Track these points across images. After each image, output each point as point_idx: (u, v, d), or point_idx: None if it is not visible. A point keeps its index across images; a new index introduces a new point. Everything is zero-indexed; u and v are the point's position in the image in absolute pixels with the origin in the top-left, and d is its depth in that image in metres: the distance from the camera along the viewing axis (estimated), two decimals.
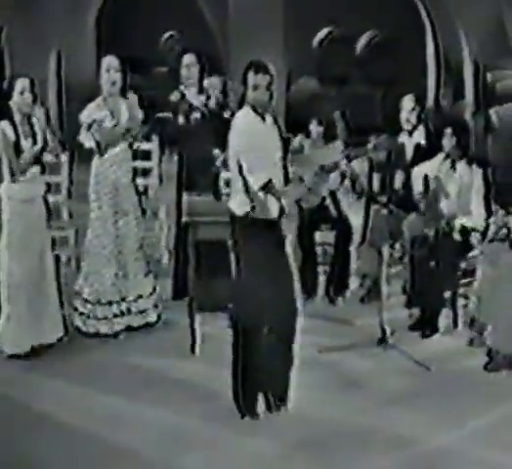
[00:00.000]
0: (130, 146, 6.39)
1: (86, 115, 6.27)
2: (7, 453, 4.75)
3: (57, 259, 6.35)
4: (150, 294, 6.49)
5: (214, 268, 6.47)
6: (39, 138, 5.99)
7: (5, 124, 5.89)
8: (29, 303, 5.98)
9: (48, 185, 6.32)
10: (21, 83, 5.94)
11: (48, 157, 6.29)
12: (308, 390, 5.25)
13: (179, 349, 6.08)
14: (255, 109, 5.13)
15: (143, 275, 6.47)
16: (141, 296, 6.43)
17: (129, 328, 6.41)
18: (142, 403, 5.34)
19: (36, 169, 6.02)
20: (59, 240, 7.07)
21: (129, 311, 6.39)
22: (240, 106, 5.22)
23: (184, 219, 6.24)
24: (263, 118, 5.16)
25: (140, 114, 6.41)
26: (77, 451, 4.80)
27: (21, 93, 5.92)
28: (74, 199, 7.48)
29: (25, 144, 5.92)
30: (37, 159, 6.00)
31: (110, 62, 6.27)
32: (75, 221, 7.41)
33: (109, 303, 6.32)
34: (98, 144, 6.24)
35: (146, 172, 7.83)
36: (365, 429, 5.05)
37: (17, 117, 5.94)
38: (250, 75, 5.08)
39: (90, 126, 6.22)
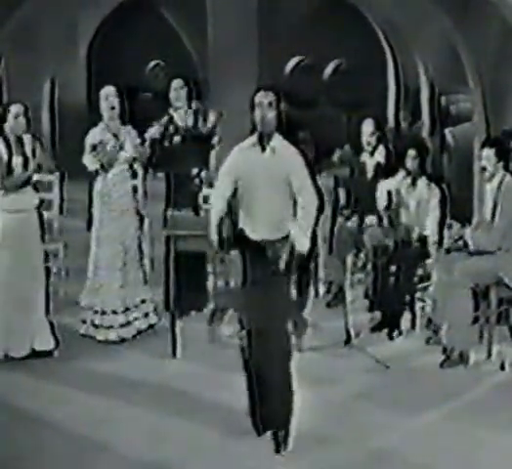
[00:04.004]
0: (130, 166, 6.35)
1: (91, 137, 6.22)
2: None
3: (47, 271, 6.23)
4: (151, 300, 6.46)
5: (191, 276, 6.46)
6: (30, 158, 5.92)
7: None
8: (18, 313, 5.85)
9: (41, 201, 6.18)
10: (16, 108, 5.88)
11: (45, 178, 6.21)
12: None
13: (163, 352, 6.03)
14: (260, 138, 4.71)
15: (143, 283, 6.44)
16: (144, 301, 6.41)
17: (137, 332, 6.36)
18: (126, 402, 5.30)
19: (28, 189, 5.93)
20: (50, 253, 6.99)
21: (135, 318, 6.34)
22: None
23: (164, 232, 6.22)
24: (263, 148, 4.72)
25: (138, 140, 6.38)
26: (64, 451, 4.73)
27: (16, 117, 5.87)
28: (65, 215, 7.42)
29: (16, 161, 5.84)
30: (28, 181, 5.91)
31: (108, 90, 6.28)
32: (65, 235, 7.30)
33: (114, 312, 6.26)
34: (102, 165, 6.18)
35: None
36: (333, 420, 5.06)
37: (10, 138, 5.88)
38: (256, 96, 4.68)
39: (95, 147, 6.16)
